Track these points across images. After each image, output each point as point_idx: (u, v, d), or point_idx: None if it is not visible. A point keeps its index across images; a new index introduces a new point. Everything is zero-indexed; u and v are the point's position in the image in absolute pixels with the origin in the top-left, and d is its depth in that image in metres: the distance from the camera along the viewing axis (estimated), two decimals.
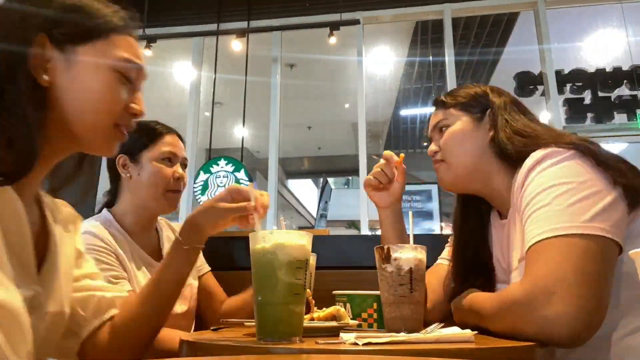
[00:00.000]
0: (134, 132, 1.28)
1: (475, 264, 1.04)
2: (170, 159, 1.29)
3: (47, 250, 0.71)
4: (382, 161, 1.16)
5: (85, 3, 0.70)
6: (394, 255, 0.83)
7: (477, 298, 0.88)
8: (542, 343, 0.70)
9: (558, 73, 4.21)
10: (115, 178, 1.31)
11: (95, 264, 1.06)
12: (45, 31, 0.65)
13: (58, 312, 0.71)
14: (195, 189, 3.84)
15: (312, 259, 0.70)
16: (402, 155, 1.16)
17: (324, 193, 5.41)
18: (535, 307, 0.71)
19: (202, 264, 1.46)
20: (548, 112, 4.12)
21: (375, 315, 0.91)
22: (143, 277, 1.22)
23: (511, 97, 1.05)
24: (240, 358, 0.59)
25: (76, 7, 0.69)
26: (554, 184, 0.79)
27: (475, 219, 1.09)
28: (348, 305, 0.89)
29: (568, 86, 4.48)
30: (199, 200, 3.81)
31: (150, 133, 1.29)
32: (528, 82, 4.62)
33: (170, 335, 1.03)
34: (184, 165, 1.34)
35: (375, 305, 0.91)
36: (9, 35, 0.64)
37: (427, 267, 1.13)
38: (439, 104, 1.09)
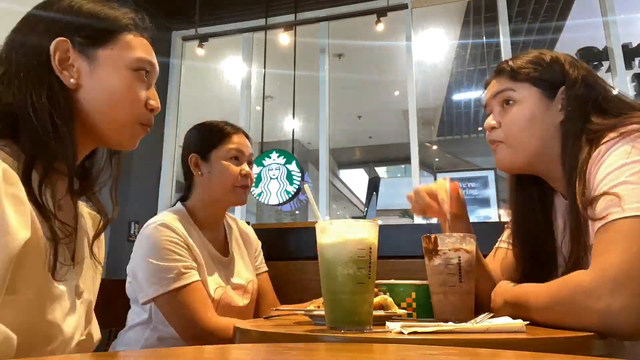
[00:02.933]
0: (205, 132, 1.37)
1: (538, 255, 0.98)
2: (237, 157, 1.36)
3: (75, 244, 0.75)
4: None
5: (99, 8, 0.75)
6: (441, 244, 0.82)
7: (523, 290, 0.83)
8: (600, 334, 0.67)
9: (625, 47, 3.91)
10: (188, 175, 1.39)
11: (165, 252, 1.15)
12: (67, 36, 0.71)
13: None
14: None
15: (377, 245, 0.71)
16: (455, 182, 1.02)
17: (370, 188, 5.39)
18: (601, 296, 0.67)
19: (259, 263, 1.52)
20: (615, 89, 3.85)
21: (414, 305, 0.90)
22: (209, 273, 1.28)
23: (587, 70, 0.93)
24: (289, 345, 0.61)
25: (92, 12, 0.74)
26: (629, 162, 0.74)
27: (537, 203, 1.01)
28: (388, 294, 0.89)
29: (637, 60, 4.14)
30: (253, 193, 3.91)
31: (219, 133, 1.38)
32: (592, 58, 4.31)
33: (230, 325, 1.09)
34: (250, 163, 1.41)
35: (413, 295, 0.90)
36: (35, 42, 0.70)
37: (486, 254, 1.09)
38: (505, 72, 0.95)
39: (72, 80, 0.71)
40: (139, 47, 0.77)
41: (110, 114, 0.74)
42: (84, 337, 0.73)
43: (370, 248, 0.71)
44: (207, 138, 1.36)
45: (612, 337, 0.68)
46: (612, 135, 0.79)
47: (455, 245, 0.81)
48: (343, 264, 0.70)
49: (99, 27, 0.74)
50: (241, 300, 1.34)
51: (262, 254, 1.54)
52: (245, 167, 1.38)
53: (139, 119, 0.78)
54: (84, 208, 0.83)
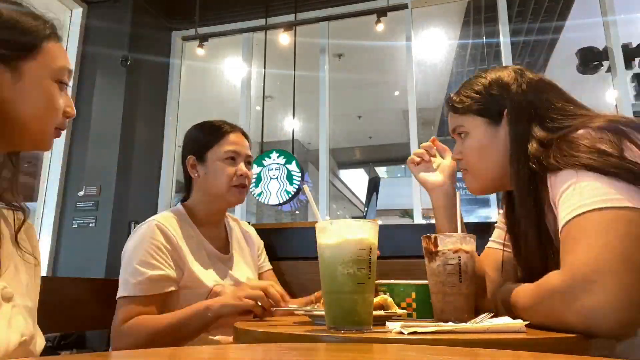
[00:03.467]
0: (201, 133, 1.37)
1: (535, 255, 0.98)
2: (233, 157, 1.34)
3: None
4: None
5: (21, 19, 0.74)
6: (441, 244, 0.82)
7: (514, 290, 0.83)
8: (585, 335, 0.65)
9: (625, 47, 3.91)
10: (187, 176, 1.39)
11: (145, 255, 1.19)
12: None
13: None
14: None
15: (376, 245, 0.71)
16: (433, 137, 1.17)
17: (370, 188, 5.40)
18: (575, 296, 0.66)
19: (263, 262, 1.52)
20: (615, 90, 3.85)
21: (414, 305, 0.90)
22: (205, 269, 1.29)
23: (530, 80, 0.93)
24: (289, 345, 0.61)
25: (13, 23, 0.73)
26: (577, 177, 0.73)
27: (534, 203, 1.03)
28: (388, 294, 0.89)
29: (637, 60, 4.15)
30: (252, 193, 3.91)
31: (215, 133, 1.35)
32: (592, 59, 4.32)
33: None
34: (248, 163, 1.39)
35: (413, 295, 0.90)
36: None
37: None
38: (452, 108, 1.03)
39: None
40: (59, 55, 0.77)
41: (31, 124, 0.74)
42: (25, 338, 0.70)
43: (370, 248, 0.71)
44: (203, 139, 1.35)
45: (597, 336, 0.66)
46: (554, 162, 0.78)
47: (455, 246, 0.81)
48: (343, 264, 0.70)
49: (21, 40, 0.73)
50: None
51: (265, 252, 1.54)
52: (242, 167, 1.35)
53: (56, 125, 0.78)
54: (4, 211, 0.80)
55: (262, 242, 1.55)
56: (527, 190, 0.87)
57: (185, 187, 1.42)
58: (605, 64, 4.05)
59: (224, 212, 1.44)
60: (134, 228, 1.30)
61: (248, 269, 1.43)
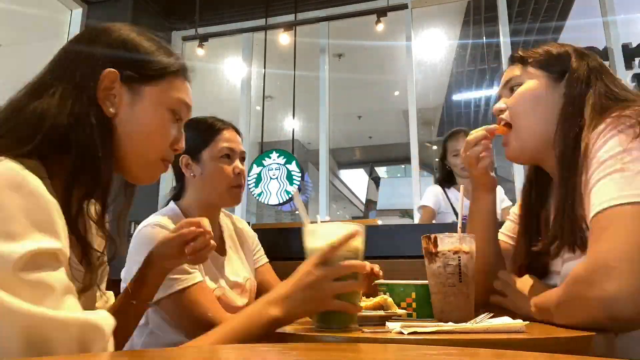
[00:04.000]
0: (194, 130, 1.34)
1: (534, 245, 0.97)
2: (229, 155, 1.33)
3: None
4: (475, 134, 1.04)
5: (155, 49, 0.78)
6: (441, 245, 0.82)
7: (544, 294, 0.82)
8: (606, 325, 0.66)
9: (625, 47, 3.91)
10: (180, 176, 1.36)
11: None
12: (117, 68, 0.72)
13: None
14: (249, 182, 3.95)
15: (364, 249, 0.72)
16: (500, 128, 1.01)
17: (370, 188, 5.41)
18: (594, 282, 0.67)
19: (259, 256, 1.50)
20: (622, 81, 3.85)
21: (414, 305, 0.90)
22: (207, 270, 1.27)
23: (595, 63, 0.93)
24: (289, 345, 0.61)
25: (148, 51, 0.77)
26: (624, 149, 0.72)
27: (544, 198, 1.01)
28: (388, 294, 0.89)
29: (637, 60, 4.14)
30: (252, 193, 3.91)
31: (208, 130, 1.34)
32: None
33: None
34: (242, 159, 1.38)
35: (413, 295, 0.90)
36: (86, 69, 0.71)
37: None
38: (515, 59, 0.99)
39: (111, 109, 0.72)
40: (181, 89, 0.81)
41: (139, 147, 0.76)
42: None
43: (357, 251, 0.72)
44: (196, 137, 1.31)
45: (618, 324, 0.67)
46: (609, 121, 0.78)
47: (455, 246, 0.81)
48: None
49: (151, 69, 0.76)
50: (240, 300, 1.32)
51: (259, 245, 1.52)
52: (238, 164, 1.34)
53: (163, 156, 0.79)
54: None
55: (255, 235, 1.52)
56: (571, 151, 0.84)
57: (178, 188, 1.39)
58: (606, 63, 4.05)
59: (219, 211, 1.41)
60: (134, 229, 1.28)
61: (244, 268, 1.41)
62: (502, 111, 0.98)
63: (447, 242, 0.81)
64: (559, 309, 0.75)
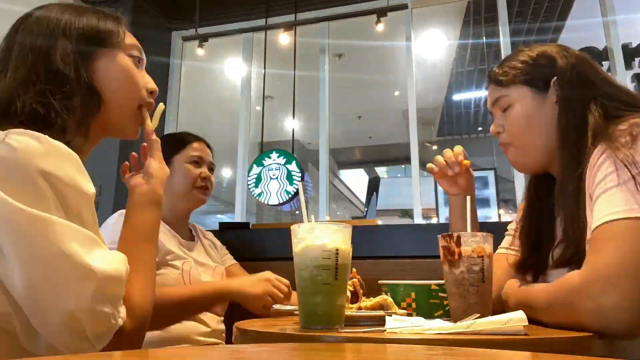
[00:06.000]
0: (168, 141, 1.44)
1: (537, 247, 0.97)
2: (197, 161, 1.47)
3: None
4: (444, 155, 1.15)
5: (95, 16, 0.83)
6: (465, 244, 0.80)
7: (529, 289, 0.84)
8: (598, 334, 0.66)
9: (625, 47, 3.91)
10: None
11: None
12: (70, 41, 0.78)
13: None
14: (249, 182, 3.95)
15: (347, 248, 0.72)
16: (466, 162, 1.13)
17: (370, 188, 5.41)
18: (592, 294, 0.67)
19: (227, 258, 1.59)
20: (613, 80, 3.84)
21: (414, 305, 0.90)
22: (180, 254, 1.35)
23: (578, 58, 0.92)
24: (288, 345, 0.61)
25: (89, 23, 0.81)
26: (634, 161, 0.71)
27: (547, 201, 1.00)
28: (388, 294, 0.89)
29: (637, 60, 4.15)
30: (252, 194, 3.91)
31: (181, 140, 1.49)
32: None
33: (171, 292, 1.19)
34: (211, 170, 1.51)
35: (413, 295, 0.90)
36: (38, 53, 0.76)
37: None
38: (494, 80, 0.98)
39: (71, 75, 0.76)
40: (128, 38, 0.86)
41: (115, 102, 0.81)
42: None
43: (337, 250, 0.73)
44: (170, 145, 1.45)
45: (608, 336, 0.67)
46: (617, 132, 0.76)
47: (478, 245, 0.79)
48: (305, 267, 0.73)
49: (98, 36, 0.81)
50: (208, 279, 1.40)
51: (228, 253, 1.61)
52: (205, 170, 1.47)
53: (139, 100, 0.84)
54: None
55: (223, 246, 1.61)
56: (574, 158, 0.83)
57: None
58: (605, 64, 4.05)
59: (188, 215, 1.52)
60: None
61: (210, 256, 1.50)
62: (499, 133, 0.99)
63: (471, 242, 0.79)
64: (548, 311, 0.75)
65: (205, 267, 1.42)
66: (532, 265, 0.96)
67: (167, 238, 1.35)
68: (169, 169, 1.37)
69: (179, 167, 1.44)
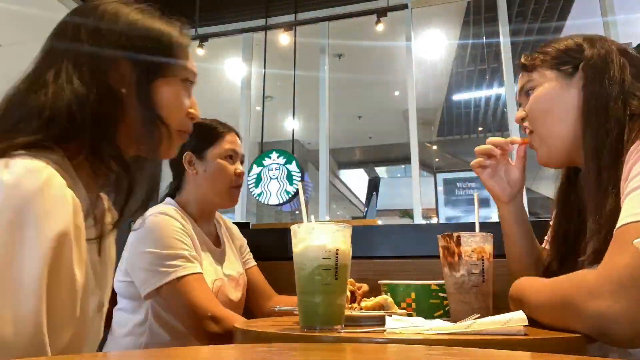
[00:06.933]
0: (199, 131, 1.37)
1: (567, 247, 0.92)
2: (231, 156, 1.37)
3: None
4: (489, 142, 1.02)
5: (160, 29, 0.81)
6: (465, 244, 0.80)
7: (523, 283, 0.80)
8: (591, 338, 0.64)
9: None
10: (179, 173, 1.38)
11: (172, 242, 1.16)
12: (129, 62, 0.73)
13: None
14: (249, 182, 3.95)
15: (347, 249, 0.72)
16: (525, 139, 0.99)
17: (370, 188, 5.41)
18: (602, 295, 0.63)
19: (248, 258, 1.52)
20: None
21: (414, 305, 0.90)
22: (206, 261, 1.28)
23: (609, 49, 0.86)
24: (289, 345, 0.61)
25: (156, 34, 0.79)
26: None
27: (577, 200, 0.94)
28: (388, 294, 0.89)
29: None
30: (252, 194, 3.91)
31: (213, 132, 1.38)
32: None
33: (232, 318, 1.12)
34: (242, 162, 1.42)
35: (413, 295, 0.90)
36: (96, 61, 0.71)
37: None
38: (523, 67, 0.94)
39: (123, 90, 0.72)
40: (190, 59, 0.81)
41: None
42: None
43: (337, 251, 0.72)
44: (202, 137, 1.35)
45: (602, 341, 0.65)
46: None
47: (479, 245, 0.79)
48: (305, 267, 0.72)
49: (168, 65, 0.77)
50: (234, 294, 1.34)
51: (248, 249, 1.54)
52: (239, 166, 1.39)
53: (180, 126, 0.79)
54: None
55: (244, 240, 1.55)
56: (603, 150, 0.78)
57: (175, 185, 1.41)
58: None
59: (215, 212, 1.44)
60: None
61: (237, 263, 1.44)
62: (523, 119, 0.95)
63: (470, 242, 0.79)
64: (544, 307, 0.72)
65: (231, 278, 1.35)
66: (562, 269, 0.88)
67: (200, 250, 1.26)
68: (202, 164, 1.34)
69: (213, 162, 1.34)
